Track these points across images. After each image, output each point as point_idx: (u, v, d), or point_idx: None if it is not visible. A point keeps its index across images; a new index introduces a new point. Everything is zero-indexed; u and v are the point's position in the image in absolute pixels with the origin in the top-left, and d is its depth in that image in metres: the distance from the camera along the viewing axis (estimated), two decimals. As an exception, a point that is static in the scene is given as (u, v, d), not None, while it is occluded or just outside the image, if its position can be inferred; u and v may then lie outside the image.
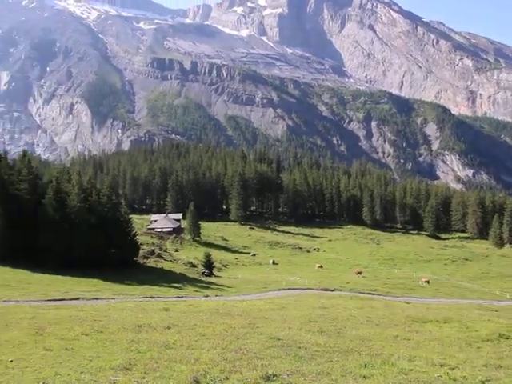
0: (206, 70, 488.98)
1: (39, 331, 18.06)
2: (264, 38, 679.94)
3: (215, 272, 73.02)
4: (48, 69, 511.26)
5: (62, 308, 26.74)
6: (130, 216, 76.30)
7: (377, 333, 21.35)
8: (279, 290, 53.59)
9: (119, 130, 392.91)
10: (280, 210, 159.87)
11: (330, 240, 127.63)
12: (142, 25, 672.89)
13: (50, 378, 11.78)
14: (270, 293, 50.17)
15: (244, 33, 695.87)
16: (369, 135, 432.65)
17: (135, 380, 11.79)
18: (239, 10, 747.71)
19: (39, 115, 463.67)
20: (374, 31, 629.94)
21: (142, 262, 72.32)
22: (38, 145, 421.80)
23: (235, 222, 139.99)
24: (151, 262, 74.22)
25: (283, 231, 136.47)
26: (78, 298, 33.49)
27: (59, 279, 48.19)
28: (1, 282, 42.22)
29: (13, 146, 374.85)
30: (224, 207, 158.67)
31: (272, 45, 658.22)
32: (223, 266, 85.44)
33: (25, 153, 76.14)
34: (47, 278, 47.93)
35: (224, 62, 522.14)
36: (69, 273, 51.44)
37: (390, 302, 44.31)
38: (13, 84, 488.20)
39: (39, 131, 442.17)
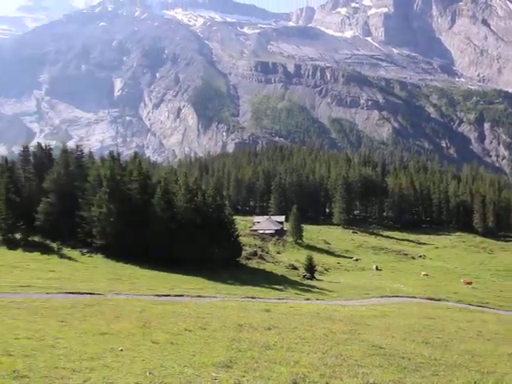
0: (310, 73, 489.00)
1: (146, 324, 18.90)
2: (369, 39, 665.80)
3: (317, 275, 72.69)
4: (157, 75, 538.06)
5: (168, 304, 27.77)
6: (234, 217, 78.07)
7: (488, 349, 19.94)
8: (382, 296, 52.11)
9: (224, 133, 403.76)
10: (384, 214, 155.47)
11: (436, 247, 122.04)
12: (245, 30, 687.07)
13: (155, 368, 12.20)
14: (372, 299, 48.93)
15: (348, 34, 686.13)
16: (481, 137, 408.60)
17: (235, 378, 11.89)
18: (343, 10, 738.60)
19: (149, 119, 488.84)
20: (488, 26, 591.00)
21: (244, 262, 73.80)
22: (147, 147, 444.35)
23: (338, 225, 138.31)
24: (253, 263, 75.53)
25: (387, 236, 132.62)
26: (182, 295, 34.54)
27: (166, 276, 50.38)
28: (114, 275, 45.18)
29: (125, 148, 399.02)
30: (327, 210, 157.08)
31: (377, 45, 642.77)
32: (325, 269, 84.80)
33: (136, 155, 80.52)
34: (155, 274, 50.31)
35: (328, 64, 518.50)
36: (175, 270, 53.65)
37: (503, 316, 41.39)
38: (125, 90, 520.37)
39: (149, 134, 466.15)
